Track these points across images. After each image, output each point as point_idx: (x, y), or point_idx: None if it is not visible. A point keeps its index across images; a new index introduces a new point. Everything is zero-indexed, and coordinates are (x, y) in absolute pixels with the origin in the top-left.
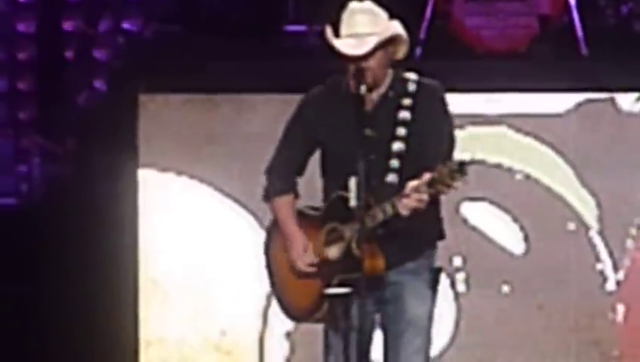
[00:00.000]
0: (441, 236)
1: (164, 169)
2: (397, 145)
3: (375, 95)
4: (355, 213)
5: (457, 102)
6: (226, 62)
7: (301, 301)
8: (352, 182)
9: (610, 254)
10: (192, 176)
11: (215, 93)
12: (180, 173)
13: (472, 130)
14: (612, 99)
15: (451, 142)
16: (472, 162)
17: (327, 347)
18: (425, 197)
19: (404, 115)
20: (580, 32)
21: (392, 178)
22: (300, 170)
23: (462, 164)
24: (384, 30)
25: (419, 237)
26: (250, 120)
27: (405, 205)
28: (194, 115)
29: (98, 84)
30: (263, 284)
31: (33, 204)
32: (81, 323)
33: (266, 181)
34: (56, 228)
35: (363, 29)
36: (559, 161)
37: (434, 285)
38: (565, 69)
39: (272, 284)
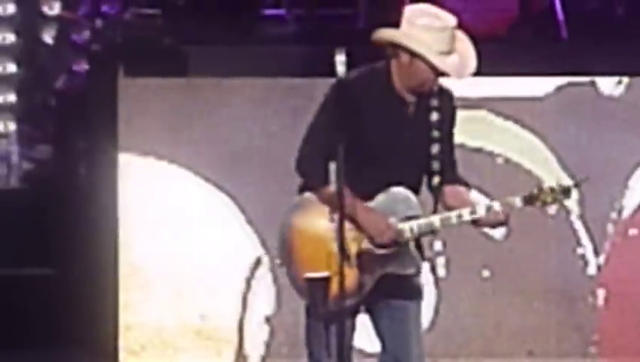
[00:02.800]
0: None
1: (144, 153)
2: (435, 148)
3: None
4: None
5: None
6: (206, 46)
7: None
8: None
9: (591, 238)
10: (171, 160)
11: (195, 76)
12: (159, 157)
13: None
14: (593, 83)
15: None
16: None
17: (309, 330)
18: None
19: (435, 116)
20: (560, 16)
21: (436, 181)
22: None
23: (567, 190)
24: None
25: None
26: (230, 104)
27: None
28: (173, 99)
29: (77, 67)
30: (242, 268)
31: (12, 188)
32: (61, 305)
33: (308, 167)
34: (35, 213)
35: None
36: (540, 144)
37: None
38: (545, 53)
39: (288, 262)
